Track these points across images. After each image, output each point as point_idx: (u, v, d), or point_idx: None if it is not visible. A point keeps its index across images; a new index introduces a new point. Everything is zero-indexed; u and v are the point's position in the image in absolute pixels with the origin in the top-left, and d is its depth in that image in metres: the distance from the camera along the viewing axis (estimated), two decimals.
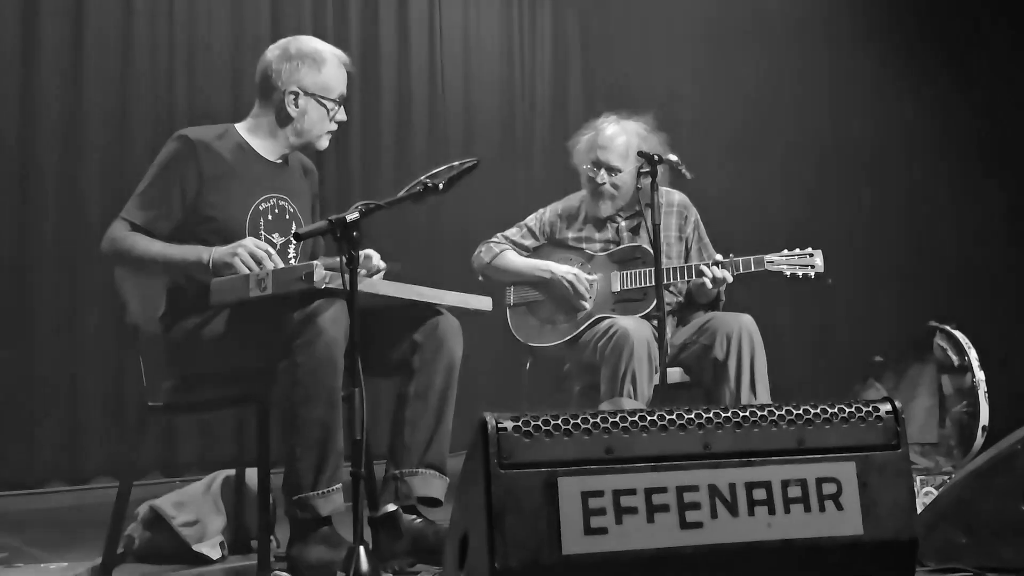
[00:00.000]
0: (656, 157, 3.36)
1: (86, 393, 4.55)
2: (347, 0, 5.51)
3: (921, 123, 6.62)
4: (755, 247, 3.72)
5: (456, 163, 2.55)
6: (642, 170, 3.42)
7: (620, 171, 3.75)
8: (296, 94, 2.93)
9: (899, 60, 6.64)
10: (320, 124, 2.98)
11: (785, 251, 3.64)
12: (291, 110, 2.94)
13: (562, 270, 3.78)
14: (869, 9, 6.66)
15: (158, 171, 2.83)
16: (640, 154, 3.44)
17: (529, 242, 3.93)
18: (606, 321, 3.61)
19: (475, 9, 6.08)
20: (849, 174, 6.81)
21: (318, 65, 2.95)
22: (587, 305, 3.76)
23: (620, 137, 3.75)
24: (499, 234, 3.96)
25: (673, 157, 3.42)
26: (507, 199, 5.74)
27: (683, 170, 3.39)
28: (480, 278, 3.94)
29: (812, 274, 3.64)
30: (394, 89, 5.66)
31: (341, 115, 3.01)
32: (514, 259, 3.89)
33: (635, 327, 3.46)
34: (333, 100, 2.97)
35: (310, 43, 3.00)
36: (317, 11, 5.38)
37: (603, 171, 3.76)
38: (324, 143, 3.03)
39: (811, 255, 3.64)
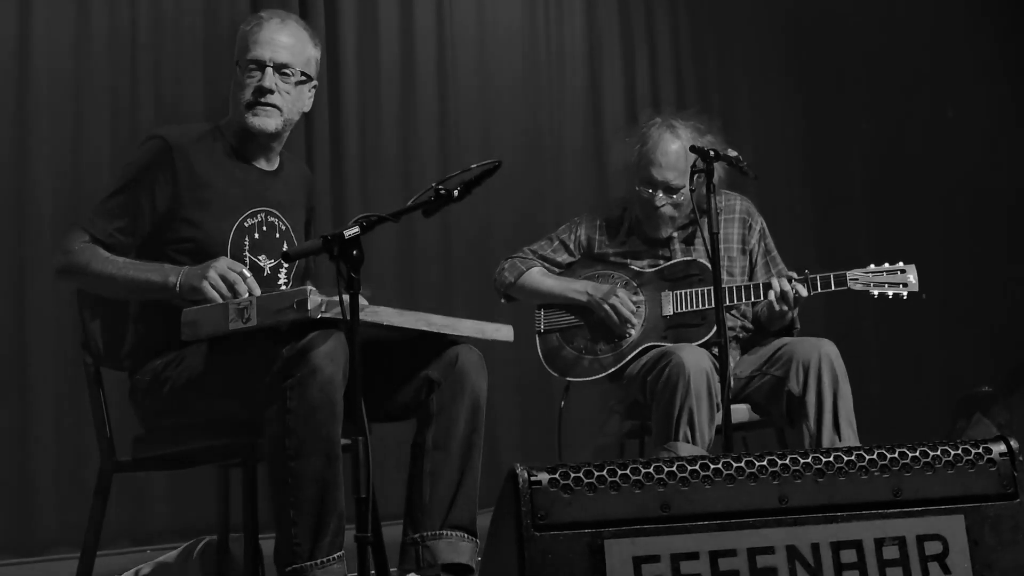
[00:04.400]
0: (712, 153, 3.36)
1: (38, 447, 4.57)
2: None
3: None
4: (834, 262, 3.70)
5: (474, 165, 2.54)
6: (695, 168, 3.41)
7: (680, 187, 3.73)
8: (233, 75, 2.96)
9: (1006, 49, 6.68)
10: (236, 95, 2.93)
11: (872, 266, 3.62)
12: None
13: (602, 292, 3.77)
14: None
15: (128, 176, 2.86)
16: (693, 149, 3.43)
17: (562, 257, 3.93)
18: (657, 350, 3.60)
19: None
20: (946, 172, 6.79)
21: (241, 31, 2.97)
22: (633, 332, 3.74)
23: (673, 144, 3.73)
24: (526, 248, 3.96)
25: (732, 152, 3.41)
26: (534, 207, 5.75)
27: (745, 168, 3.38)
28: (503, 300, 3.94)
29: (904, 293, 3.61)
30: (397, 83, 5.67)
31: (267, 81, 2.89)
32: (544, 278, 3.88)
33: (692, 357, 3.45)
34: (247, 61, 2.91)
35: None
36: None
37: (660, 192, 3.75)
38: (251, 119, 2.90)
39: (903, 271, 3.61)
